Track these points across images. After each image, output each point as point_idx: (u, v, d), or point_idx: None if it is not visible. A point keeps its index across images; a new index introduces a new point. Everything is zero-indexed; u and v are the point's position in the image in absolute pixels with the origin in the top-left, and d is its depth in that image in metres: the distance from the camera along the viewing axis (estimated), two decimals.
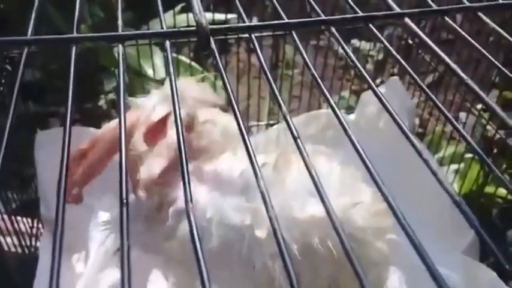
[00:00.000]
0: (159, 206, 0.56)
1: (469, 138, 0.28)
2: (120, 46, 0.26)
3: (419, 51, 1.06)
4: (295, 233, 0.50)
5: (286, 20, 0.29)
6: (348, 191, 0.54)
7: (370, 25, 0.29)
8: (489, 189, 0.96)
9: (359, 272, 0.18)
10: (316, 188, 0.22)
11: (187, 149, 0.62)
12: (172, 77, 0.25)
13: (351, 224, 0.51)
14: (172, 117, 0.55)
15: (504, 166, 0.99)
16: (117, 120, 0.59)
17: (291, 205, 0.51)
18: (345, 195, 0.53)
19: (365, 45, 1.34)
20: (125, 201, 0.19)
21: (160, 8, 0.30)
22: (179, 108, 0.23)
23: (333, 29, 0.29)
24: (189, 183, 0.20)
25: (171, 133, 0.56)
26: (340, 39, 0.33)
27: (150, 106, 0.58)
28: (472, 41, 0.33)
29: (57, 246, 0.19)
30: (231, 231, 0.53)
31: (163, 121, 0.57)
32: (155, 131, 0.56)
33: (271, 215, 0.19)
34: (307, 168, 0.23)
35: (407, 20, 0.28)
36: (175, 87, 0.26)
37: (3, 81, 0.76)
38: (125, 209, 0.19)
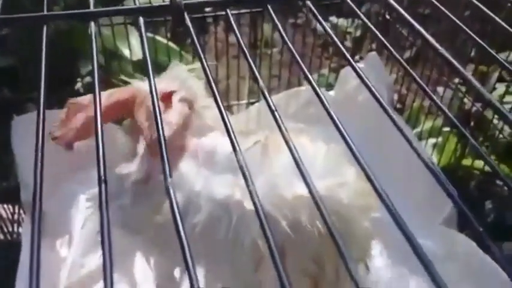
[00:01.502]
0: (146, 177, 0.56)
1: (447, 111, 0.28)
2: (93, 24, 0.25)
3: (397, 26, 1.07)
4: (284, 210, 0.51)
5: None
6: (333, 171, 0.55)
7: (349, 0, 0.29)
8: (466, 161, 0.97)
9: (341, 247, 0.18)
10: (298, 168, 0.22)
11: (188, 124, 0.62)
12: (147, 55, 0.25)
13: (336, 202, 0.51)
14: (177, 95, 0.57)
15: (480, 139, 1.01)
16: (123, 88, 0.60)
17: (279, 184, 0.52)
18: (330, 176, 0.54)
19: (343, 22, 1.33)
20: (103, 178, 0.19)
21: None
22: (154, 81, 0.23)
23: (310, 4, 0.29)
24: (167, 157, 0.20)
25: (178, 105, 0.58)
26: (317, 14, 0.33)
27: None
28: (449, 14, 0.34)
29: (35, 229, 0.19)
30: (220, 206, 0.53)
31: (169, 96, 0.59)
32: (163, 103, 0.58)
33: (251, 189, 0.19)
34: (287, 144, 0.23)
35: None
36: (151, 66, 0.25)
37: None
38: (103, 187, 0.19)
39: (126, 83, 0.63)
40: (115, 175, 0.57)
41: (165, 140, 0.20)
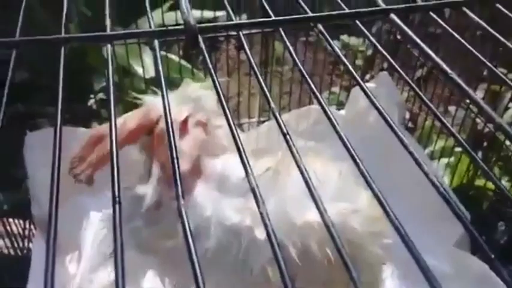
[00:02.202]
0: (157, 203, 0.56)
1: (456, 133, 0.28)
2: (109, 46, 0.26)
3: (408, 46, 1.07)
4: (294, 238, 0.51)
5: (274, 18, 0.29)
6: (345, 195, 0.54)
7: (357, 21, 0.30)
8: (479, 182, 0.96)
9: (354, 278, 0.18)
10: (311, 195, 0.22)
11: (204, 147, 0.62)
12: (162, 76, 0.25)
13: (348, 229, 0.51)
14: (192, 119, 0.58)
15: (494, 159, 1.00)
16: (138, 110, 0.61)
17: (290, 210, 0.52)
18: (342, 200, 0.53)
19: (354, 41, 1.34)
20: (117, 199, 0.19)
21: (148, 7, 0.30)
22: (169, 104, 0.24)
23: (320, 26, 0.30)
24: (180, 180, 0.20)
25: (194, 131, 0.59)
26: (327, 36, 0.33)
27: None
28: (458, 37, 0.34)
29: (50, 245, 0.19)
30: (230, 232, 0.53)
31: (185, 121, 0.59)
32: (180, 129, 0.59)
33: (263, 210, 0.19)
34: (299, 169, 0.23)
35: (393, 16, 0.28)
36: (165, 87, 0.26)
37: None
38: (117, 207, 0.19)
39: (138, 99, 0.64)
40: (128, 197, 0.58)
41: (179, 166, 0.21)
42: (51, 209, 0.20)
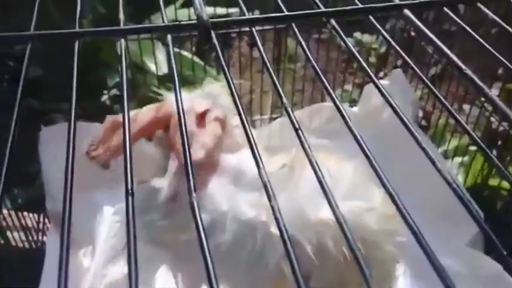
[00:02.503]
0: (173, 196, 0.57)
1: (471, 132, 0.28)
2: (123, 41, 0.26)
3: (422, 43, 1.06)
4: (309, 235, 0.51)
5: (286, 13, 0.29)
6: (359, 193, 0.54)
7: (371, 17, 0.29)
8: (493, 181, 0.95)
9: (367, 276, 0.18)
10: (324, 193, 0.22)
11: (219, 142, 0.62)
12: (175, 72, 0.25)
13: (362, 227, 0.51)
14: (211, 114, 0.58)
15: (508, 158, 0.99)
16: (152, 105, 0.61)
17: (305, 206, 0.52)
18: (356, 198, 0.53)
19: (368, 38, 1.33)
20: (130, 191, 0.19)
21: (161, 2, 0.30)
22: (181, 97, 0.24)
23: (333, 22, 0.30)
24: (193, 172, 0.20)
25: (211, 125, 0.59)
26: (340, 32, 0.33)
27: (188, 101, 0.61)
28: (473, 33, 0.33)
29: (64, 238, 0.20)
30: (245, 227, 0.53)
31: (203, 115, 0.59)
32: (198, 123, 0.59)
33: (274, 204, 0.19)
34: (312, 166, 0.23)
35: (406, 11, 0.28)
36: (178, 84, 0.26)
37: (6, 77, 0.77)
38: (130, 199, 0.19)
39: (155, 97, 0.64)
40: (144, 190, 0.58)
41: (190, 156, 0.21)
42: (65, 204, 0.20)
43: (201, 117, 0.59)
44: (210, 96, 0.63)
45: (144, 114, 0.60)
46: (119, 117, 0.61)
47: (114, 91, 1.09)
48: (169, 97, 0.63)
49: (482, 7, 0.28)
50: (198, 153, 0.55)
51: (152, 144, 0.63)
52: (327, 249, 0.50)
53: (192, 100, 0.60)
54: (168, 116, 0.59)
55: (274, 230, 0.51)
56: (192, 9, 0.28)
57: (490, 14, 0.28)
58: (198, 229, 0.18)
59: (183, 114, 0.24)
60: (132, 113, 0.61)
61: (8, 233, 0.78)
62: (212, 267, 0.17)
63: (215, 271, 0.17)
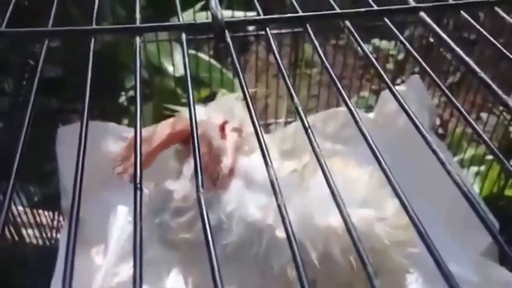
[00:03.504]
0: (185, 197, 0.57)
1: (488, 140, 0.27)
2: (137, 38, 0.26)
3: (441, 50, 1.05)
4: (316, 241, 0.50)
5: (301, 13, 0.29)
6: (373, 201, 0.54)
7: (386, 20, 0.29)
8: (509, 191, 0.94)
9: (375, 285, 0.18)
10: (334, 199, 0.22)
11: (239, 150, 0.63)
12: (187, 68, 0.25)
13: (373, 237, 0.51)
14: (229, 125, 0.60)
15: None
16: (169, 120, 0.62)
17: (314, 213, 0.51)
18: (369, 206, 0.53)
19: (386, 45, 1.33)
20: (138, 186, 0.19)
21: (178, 2, 0.30)
22: (193, 96, 0.24)
23: (348, 24, 0.29)
24: (201, 170, 0.20)
25: (230, 135, 0.61)
26: (355, 34, 0.33)
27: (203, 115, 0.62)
28: (491, 38, 0.33)
29: (72, 233, 0.20)
30: (251, 229, 0.53)
31: (223, 126, 0.62)
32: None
33: (281, 203, 0.19)
34: (322, 170, 0.23)
35: (422, 14, 0.28)
36: (191, 82, 0.26)
37: (26, 75, 0.78)
38: (138, 194, 0.19)
39: (174, 111, 0.66)
40: (159, 192, 0.59)
41: (200, 157, 0.21)
42: (74, 201, 0.20)
43: (222, 128, 0.60)
44: (224, 109, 0.64)
45: (161, 130, 0.61)
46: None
47: (131, 92, 1.10)
48: (184, 112, 0.64)
49: (500, 11, 0.28)
50: (227, 160, 0.57)
51: (170, 156, 0.65)
52: (334, 257, 0.50)
53: (208, 114, 0.61)
54: (186, 130, 0.60)
55: (280, 233, 0.51)
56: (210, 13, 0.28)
57: (508, 18, 0.28)
58: (204, 224, 0.18)
59: (195, 117, 0.24)
60: (150, 129, 0.62)
61: (23, 230, 0.79)
62: (217, 263, 0.17)
63: (220, 268, 0.17)
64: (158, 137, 0.61)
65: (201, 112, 0.63)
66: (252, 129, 0.64)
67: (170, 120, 0.64)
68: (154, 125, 0.64)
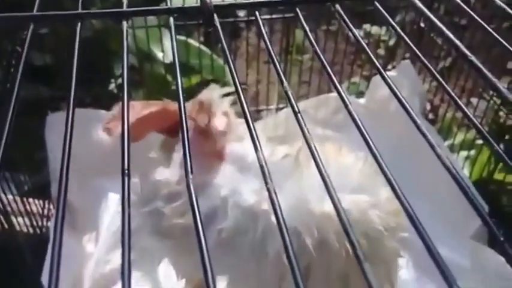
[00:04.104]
0: (180, 179, 0.57)
1: (478, 124, 0.27)
2: (124, 23, 0.26)
3: (432, 35, 1.05)
4: (311, 228, 0.50)
5: None
6: (367, 186, 0.54)
7: (377, 3, 0.29)
8: (499, 175, 0.95)
9: (365, 270, 0.18)
10: (325, 184, 0.22)
11: (228, 131, 0.63)
12: (176, 56, 0.25)
13: (366, 222, 0.51)
14: (219, 109, 0.59)
15: None
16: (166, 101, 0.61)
17: (309, 199, 0.51)
18: (363, 192, 0.53)
19: (377, 30, 1.32)
20: (126, 171, 0.19)
21: None
22: (182, 81, 0.24)
23: (339, 8, 0.29)
24: (189, 154, 0.20)
25: (220, 117, 0.60)
26: (346, 19, 0.33)
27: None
28: (482, 23, 0.33)
29: (59, 220, 0.20)
30: (247, 214, 0.52)
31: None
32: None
33: (270, 187, 0.19)
34: (312, 155, 0.23)
35: None
36: (179, 67, 0.26)
37: (13, 62, 0.77)
38: (126, 179, 0.19)
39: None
40: (149, 181, 0.59)
41: (188, 138, 0.21)
42: (61, 187, 0.20)
43: (201, 106, 0.59)
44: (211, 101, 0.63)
45: (153, 103, 0.60)
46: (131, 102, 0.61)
47: (121, 79, 1.09)
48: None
49: None
50: (219, 124, 0.56)
51: (157, 147, 0.64)
52: (329, 243, 0.50)
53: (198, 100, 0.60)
54: (174, 119, 0.59)
55: (274, 219, 0.51)
56: None
57: (498, 1, 0.28)
58: (193, 209, 0.18)
59: (184, 97, 0.24)
60: (142, 102, 0.61)
61: (13, 219, 0.79)
62: (207, 250, 0.17)
63: (210, 255, 0.17)
64: (149, 108, 0.59)
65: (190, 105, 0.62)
66: (239, 119, 0.63)
67: (161, 102, 0.63)
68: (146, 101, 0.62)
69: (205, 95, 0.61)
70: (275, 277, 0.52)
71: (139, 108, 0.58)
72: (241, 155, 0.57)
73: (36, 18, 0.25)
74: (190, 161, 0.20)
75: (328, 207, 0.50)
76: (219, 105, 0.60)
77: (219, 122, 0.58)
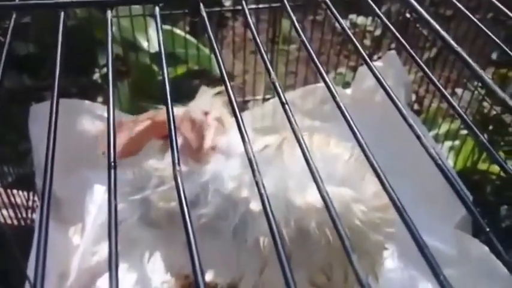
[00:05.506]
0: (167, 166, 0.57)
1: (463, 114, 0.28)
2: (109, 12, 0.25)
3: (417, 26, 1.05)
4: (290, 216, 0.50)
5: None
6: (352, 180, 0.53)
7: None
8: (483, 165, 0.96)
9: (353, 261, 0.18)
10: (312, 174, 0.22)
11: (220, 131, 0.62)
12: (162, 46, 0.25)
13: (350, 217, 0.51)
14: (211, 115, 0.58)
15: (502, 144, 1.00)
16: (154, 112, 0.61)
17: (289, 187, 0.51)
18: (348, 185, 0.52)
19: (363, 21, 1.32)
20: (113, 164, 0.19)
21: None
22: (168, 71, 0.23)
23: None
24: (177, 146, 0.20)
25: (213, 124, 0.59)
26: (333, 8, 0.33)
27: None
28: (468, 14, 0.33)
29: (44, 212, 0.19)
30: (226, 200, 0.52)
31: (195, 121, 0.60)
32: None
33: (258, 179, 0.19)
34: (299, 144, 0.23)
35: None
36: (165, 57, 0.25)
37: None
38: (113, 172, 0.19)
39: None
40: (141, 171, 0.58)
41: (175, 129, 0.21)
42: (46, 179, 0.20)
43: (194, 124, 0.59)
44: (203, 106, 0.63)
45: (143, 118, 0.60)
46: (122, 118, 0.61)
47: (106, 69, 1.08)
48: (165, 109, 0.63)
49: None
50: (206, 143, 0.56)
51: (152, 152, 0.64)
52: (309, 232, 0.50)
53: (188, 111, 0.60)
54: (164, 124, 0.58)
55: (254, 206, 0.51)
56: None
57: None
58: (180, 199, 0.18)
59: (170, 92, 0.24)
60: (131, 118, 0.61)
61: None
62: (193, 236, 0.17)
63: (196, 240, 0.17)
64: (141, 124, 0.60)
65: (181, 110, 0.62)
66: (232, 121, 0.63)
67: (150, 112, 0.63)
68: (135, 117, 0.63)
69: (197, 113, 0.60)
70: (256, 264, 0.52)
71: (130, 126, 0.59)
72: (226, 145, 0.57)
73: (19, 7, 0.25)
74: (178, 153, 0.20)
75: (310, 197, 0.50)
76: (211, 112, 0.60)
77: (210, 138, 0.58)
